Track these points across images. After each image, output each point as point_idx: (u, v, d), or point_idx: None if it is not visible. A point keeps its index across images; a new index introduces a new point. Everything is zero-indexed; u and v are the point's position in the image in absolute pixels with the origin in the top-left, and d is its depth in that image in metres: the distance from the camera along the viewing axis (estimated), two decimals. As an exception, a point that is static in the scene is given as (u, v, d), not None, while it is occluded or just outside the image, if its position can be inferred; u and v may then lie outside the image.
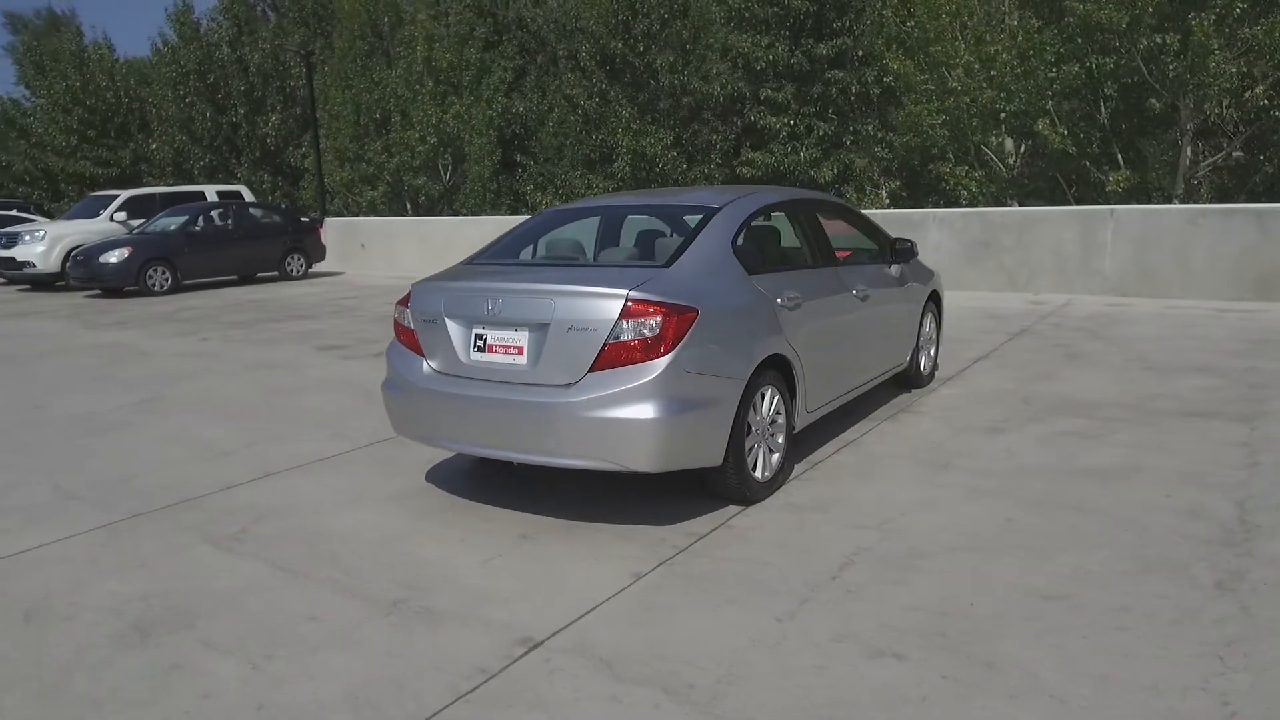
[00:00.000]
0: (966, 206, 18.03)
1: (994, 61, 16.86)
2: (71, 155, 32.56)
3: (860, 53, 20.72)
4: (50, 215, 24.84)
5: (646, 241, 4.44)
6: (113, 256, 14.26)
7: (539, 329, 3.74)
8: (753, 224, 4.52)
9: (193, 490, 4.59)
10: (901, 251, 5.66)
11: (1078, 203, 17.55)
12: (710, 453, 3.81)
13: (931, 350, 6.54)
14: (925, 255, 12.31)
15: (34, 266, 15.64)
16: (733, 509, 4.07)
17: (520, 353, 3.80)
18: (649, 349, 3.59)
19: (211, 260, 15.46)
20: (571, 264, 4.33)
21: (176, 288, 14.84)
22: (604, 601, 3.21)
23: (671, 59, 24.09)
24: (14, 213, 21.01)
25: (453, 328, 3.98)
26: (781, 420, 4.31)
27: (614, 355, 3.59)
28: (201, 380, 7.46)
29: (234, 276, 16.20)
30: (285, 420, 6.00)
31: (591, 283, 3.75)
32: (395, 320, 4.30)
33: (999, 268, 11.86)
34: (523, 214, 25.69)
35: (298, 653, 2.92)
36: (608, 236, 5.12)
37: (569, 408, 3.61)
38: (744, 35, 21.17)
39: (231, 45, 31.40)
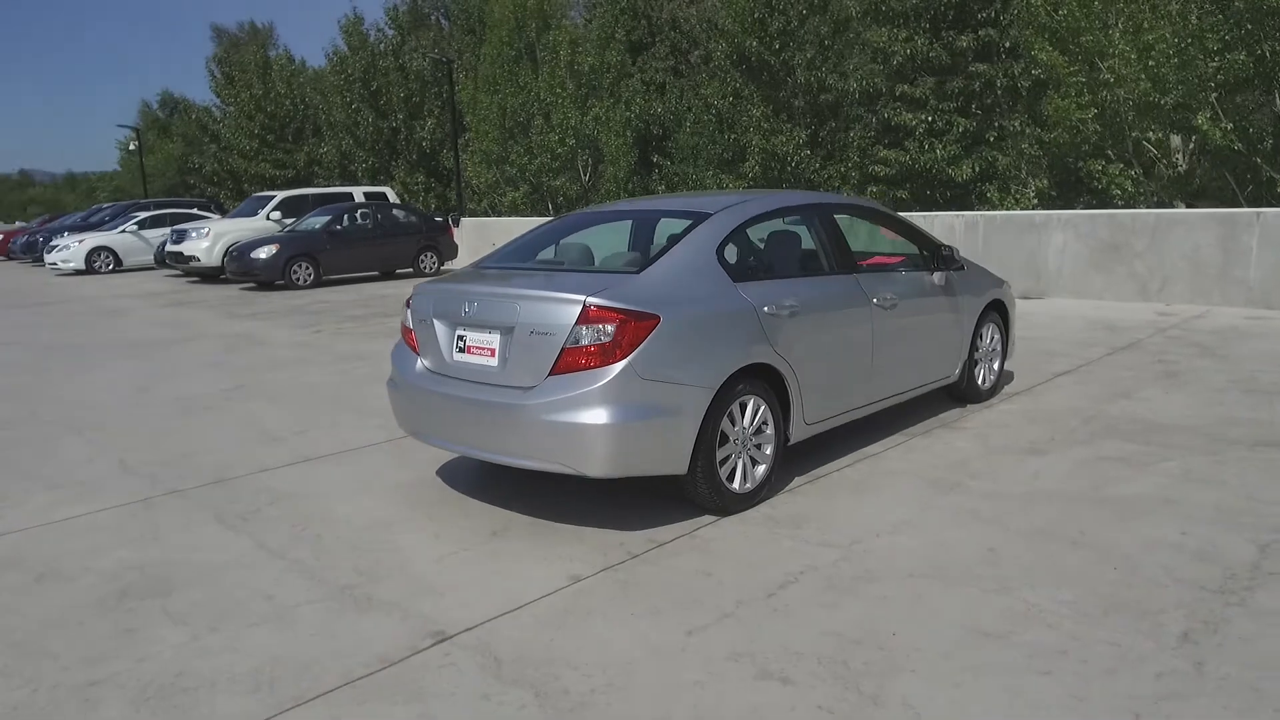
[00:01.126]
0: (1121, 207, 16.76)
1: (1151, 50, 15.56)
2: (253, 158, 35.70)
3: (1007, 44, 19.61)
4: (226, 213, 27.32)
5: (643, 246, 4.45)
6: (262, 253, 15.55)
7: (508, 332, 3.85)
8: (747, 230, 4.44)
9: (231, 472, 5.00)
10: (943, 259, 5.39)
11: (1252, 206, 15.93)
12: (672, 461, 3.79)
13: (995, 363, 6.18)
14: (1047, 260, 11.58)
15: (199, 261, 17.28)
16: (707, 519, 4.03)
17: (492, 354, 3.92)
18: (606, 354, 3.62)
19: (351, 257, 16.55)
20: (555, 269, 4.39)
21: (318, 282, 15.99)
22: (530, 602, 3.27)
23: (809, 55, 23.67)
24: (194, 211, 23.27)
25: (439, 328, 4.16)
26: (770, 431, 4.22)
27: (572, 360, 3.64)
28: (293, 369, 8.06)
29: (373, 272, 17.29)
30: (347, 410, 6.40)
31: (554, 288, 3.82)
32: (402, 320, 4.53)
33: (1129, 275, 10.96)
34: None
35: (237, 627, 3.16)
36: (635, 239, 5.13)
37: (528, 410, 3.69)
38: (881, 29, 20.48)
39: (394, 53, 33.40)
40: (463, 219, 20.35)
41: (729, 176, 24.83)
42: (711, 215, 4.32)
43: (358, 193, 19.71)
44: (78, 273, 21.22)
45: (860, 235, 5.62)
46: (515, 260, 4.65)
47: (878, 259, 5.84)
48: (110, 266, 21.54)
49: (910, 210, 19.98)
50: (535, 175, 27.61)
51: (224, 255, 16.88)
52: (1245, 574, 3.30)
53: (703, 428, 3.82)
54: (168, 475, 4.97)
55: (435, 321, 4.17)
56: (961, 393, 5.91)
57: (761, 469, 4.20)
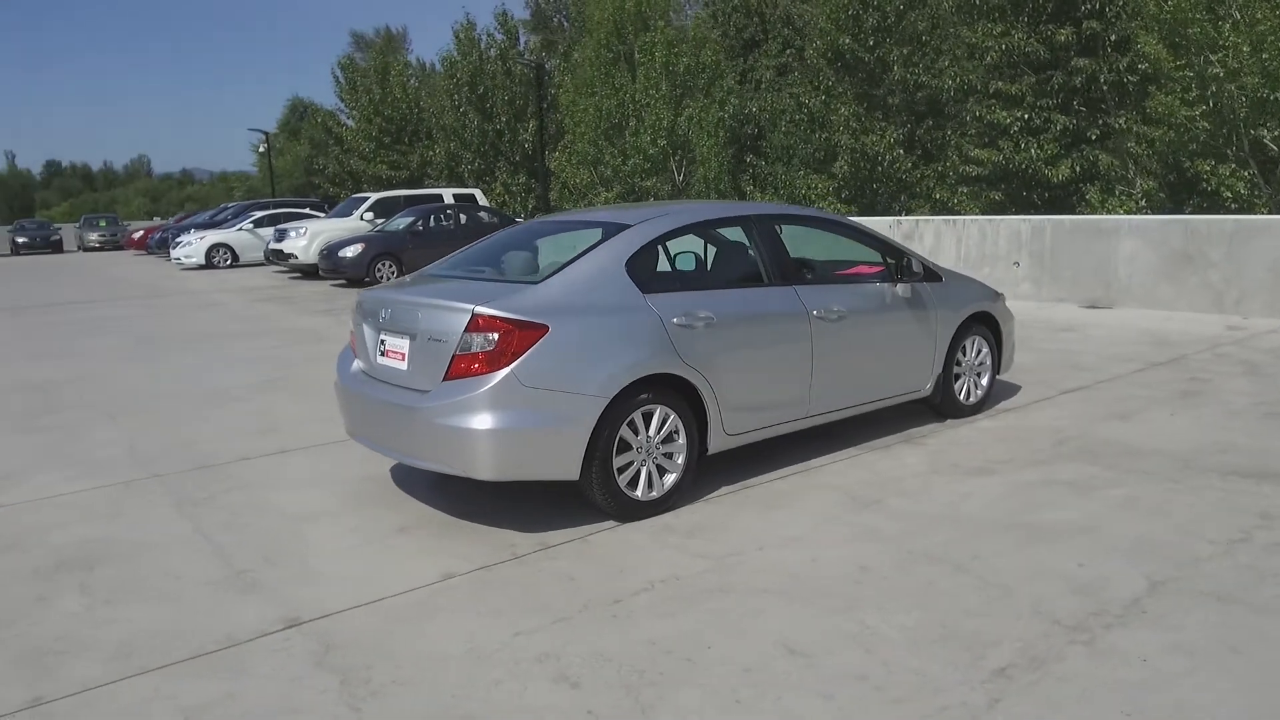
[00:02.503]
0: (1234, 211, 15.63)
1: (1265, 43, 14.45)
2: (371, 159, 37.48)
3: (1113, 37, 18.53)
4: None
5: (562, 256, 4.52)
6: (349, 251, 16.42)
7: (414, 338, 4.06)
8: (666, 242, 4.49)
9: (214, 459, 5.41)
10: (904, 270, 5.26)
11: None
12: (562, 467, 3.90)
13: (984, 377, 5.97)
14: (1116, 268, 10.94)
15: (296, 258, 18.40)
16: (610, 524, 4.12)
17: (402, 359, 4.13)
18: (491, 362, 3.77)
19: (432, 256, 16.99)
20: (472, 278, 4.54)
21: (400, 279, 16.75)
22: (393, 595, 3.46)
23: (905, 52, 23.05)
24: (306, 210, 24.71)
25: (367, 332, 4.41)
26: (682, 441, 4.26)
27: (462, 366, 3.81)
28: (329, 365, 8.54)
29: (454, 270, 17.94)
30: (350, 404, 6.77)
31: (449, 297, 3.99)
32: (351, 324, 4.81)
33: (1203, 285, 10.24)
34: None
35: (129, 602, 3.48)
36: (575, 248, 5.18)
37: (423, 413, 3.89)
38: (975, 24, 19.73)
39: (502, 57, 34.42)
40: (547, 219, 20.83)
41: (820, 177, 24.46)
42: (631, 227, 4.40)
43: (448, 194, 20.50)
44: (199, 267, 22.92)
45: (842, 247, 5.53)
46: (455, 267, 4.84)
47: (860, 268, 5.75)
48: (228, 262, 23.17)
49: (1005, 212, 19.20)
50: (628, 177, 27.93)
51: (319, 253, 17.91)
52: (1116, 611, 3.15)
53: (596, 436, 3.92)
54: (160, 460, 5.43)
55: (364, 326, 4.43)
56: (939, 407, 5.75)
57: (671, 477, 4.25)
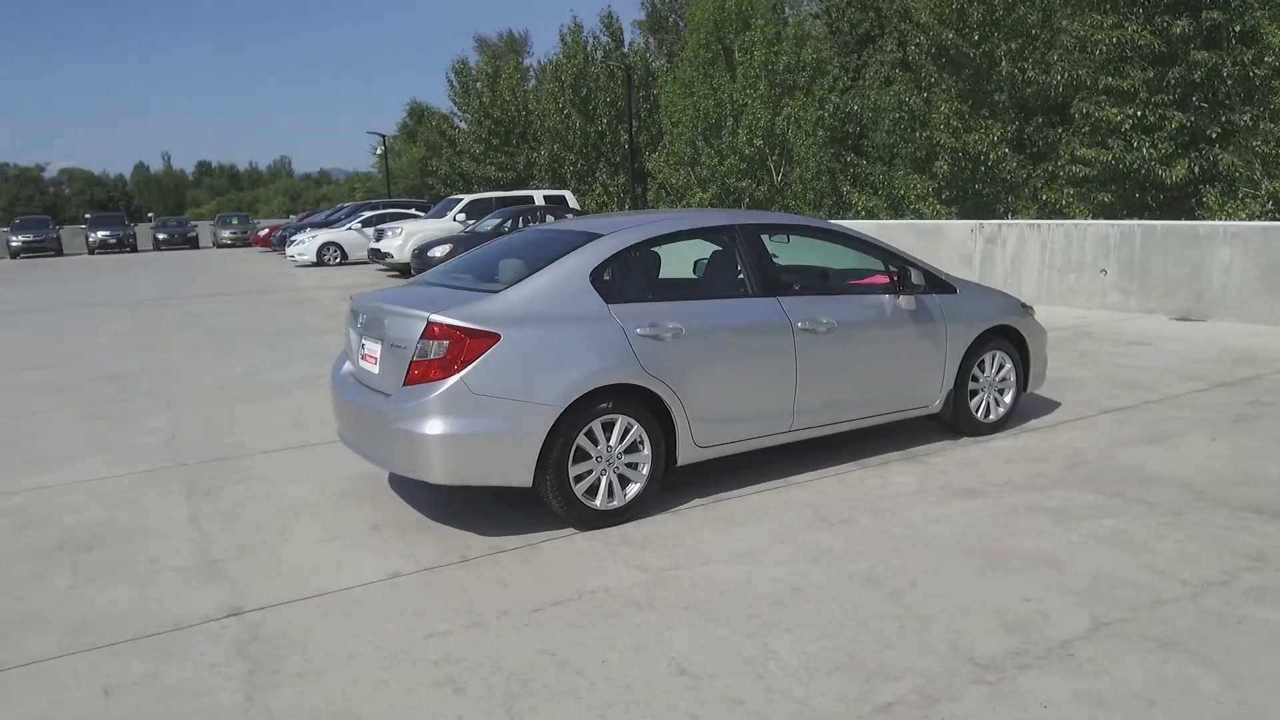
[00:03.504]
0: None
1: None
2: (481, 161, 38.63)
3: (1237, 28, 17.19)
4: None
5: (528, 266, 4.54)
6: (438, 251, 17.00)
7: (383, 343, 4.22)
8: (635, 253, 4.50)
9: (238, 451, 5.76)
10: (905, 281, 5.08)
11: None
12: (515, 474, 3.98)
13: (1007, 394, 5.70)
14: (1210, 278, 10.20)
15: (392, 257, 19.19)
16: (566, 531, 4.17)
17: (375, 363, 4.30)
18: (444, 368, 3.88)
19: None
20: (447, 285, 4.63)
21: (485, 279, 17.25)
22: (336, 590, 3.62)
23: (1014, 47, 22.07)
24: (411, 211, 25.70)
25: (352, 335, 4.61)
26: (647, 452, 4.27)
27: (419, 372, 3.94)
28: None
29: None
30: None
31: (410, 304, 4.12)
32: None
33: (1306, 298, 9.43)
34: (845, 217, 25.37)
35: (105, 583, 3.76)
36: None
37: (383, 417, 4.04)
38: (1085, 15, 18.67)
39: (606, 57, 34.85)
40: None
41: (921, 177, 23.70)
42: (601, 237, 4.43)
43: (538, 196, 20.95)
44: (311, 265, 24.19)
45: (852, 257, 5.40)
46: (445, 274, 4.97)
47: (877, 278, 5.59)
48: (337, 260, 24.36)
49: (1115, 216, 18.14)
50: (724, 177, 27.82)
51: (412, 252, 18.63)
52: (1038, 652, 2.99)
53: (549, 444, 3.98)
54: (191, 450, 5.82)
55: (350, 329, 4.63)
56: (953, 424, 5.54)
57: (634, 488, 4.27)
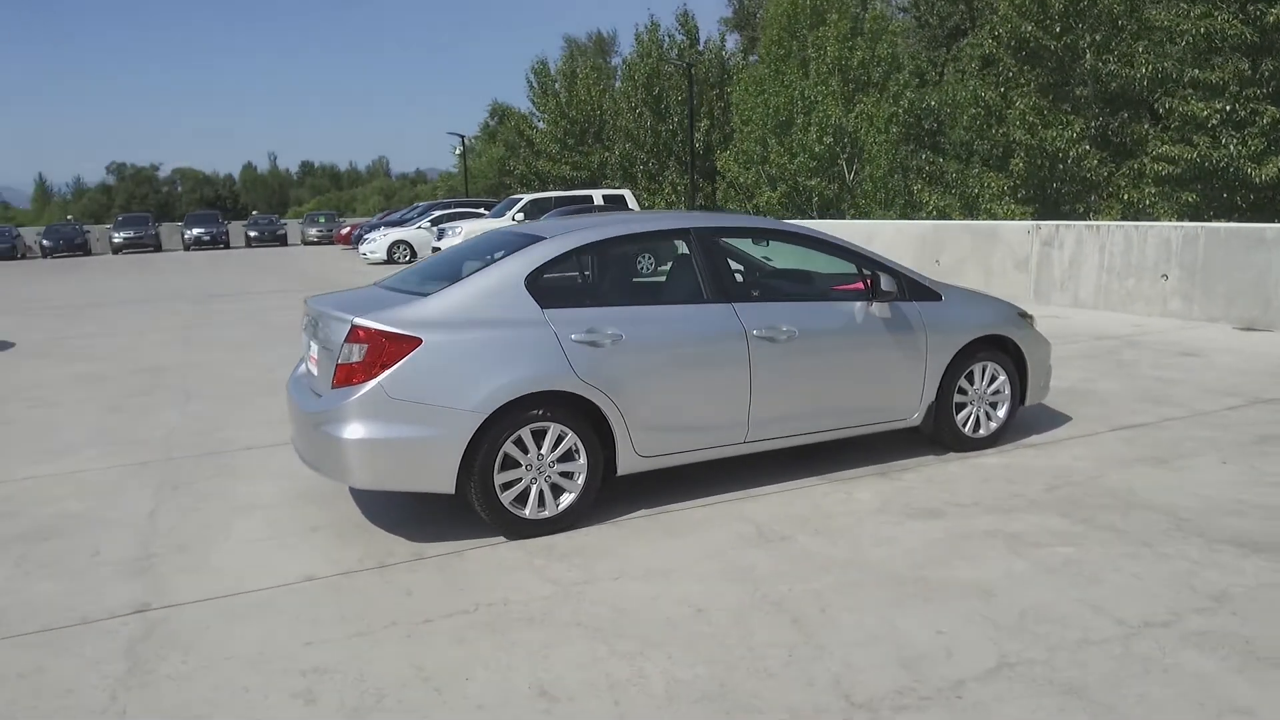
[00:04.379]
0: None
1: None
2: (557, 160, 39.01)
3: (1341, 14, 15.93)
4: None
5: (469, 269, 4.49)
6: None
7: (319, 346, 4.23)
8: (577, 257, 4.40)
9: (227, 447, 5.91)
10: (877, 290, 4.84)
11: None
12: (436, 481, 3.94)
13: (1001, 408, 5.38)
14: (1279, 284, 9.43)
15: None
16: (497, 540, 4.11)
17: (316, 365, 4.32)
18: (365, 372, 3.87)
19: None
20: (391, 288, 4.60)
21: (539, 278, 17.39)
22: (246, 591, 3.65)
23: (1098, 38, 21.02)
24: (479, 210, 26.14)
25: (304, 338, 4.64)
26: (582, 461, 4.18)
27: (344, 375, 3.94)
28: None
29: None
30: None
31: (341, 307, 4.12)
32: None
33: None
34: (915, 216, 24.63)
35: (41, 575, 3.88)
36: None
37: (313, 419, 4.06)
38: (1172, 4, 17.61)
39: (680, 57, 34.72)
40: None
41: (995, 176, 22.81)
42: (543, 240, 4.35)
43: (598, 196, 21.00)
44: (382, 262, 24.83)
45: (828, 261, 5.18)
46: (402, 277, 4.96)
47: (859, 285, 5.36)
48: (407, 257, 24.94)
49: (1200, 217, 17.09)
50: (793, 176, 27.36)
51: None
52: (925, 692, 2.78)
53: (472, 451, 3.92)
54: (184, 444, 6.00)
55: (303, 332, 4.67)
56: (938, 438, 5.26)
57: (568, 498, 4.18)
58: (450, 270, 4.78)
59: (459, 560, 3.92)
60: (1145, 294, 10.87)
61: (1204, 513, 4.21)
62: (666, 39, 36.48)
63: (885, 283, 4.80)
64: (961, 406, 5.27)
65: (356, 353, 3.90)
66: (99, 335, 11.80)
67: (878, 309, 4.90)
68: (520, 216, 19.88)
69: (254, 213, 59.90)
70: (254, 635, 3.28)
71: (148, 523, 4.51)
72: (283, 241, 40.55)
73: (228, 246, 38.53)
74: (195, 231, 37.90)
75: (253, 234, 39.73)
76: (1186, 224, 10.82)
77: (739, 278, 5.10)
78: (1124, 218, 19.15)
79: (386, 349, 3.86)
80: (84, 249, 36.67)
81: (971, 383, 5.28)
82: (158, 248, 37.79)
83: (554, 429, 4.11)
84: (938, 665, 2.93)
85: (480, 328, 4.02)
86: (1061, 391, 6.76)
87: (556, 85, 39.49)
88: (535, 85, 42.21)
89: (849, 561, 3.79)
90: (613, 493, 4.64)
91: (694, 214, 5.34)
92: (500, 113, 48.45)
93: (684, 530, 4.19)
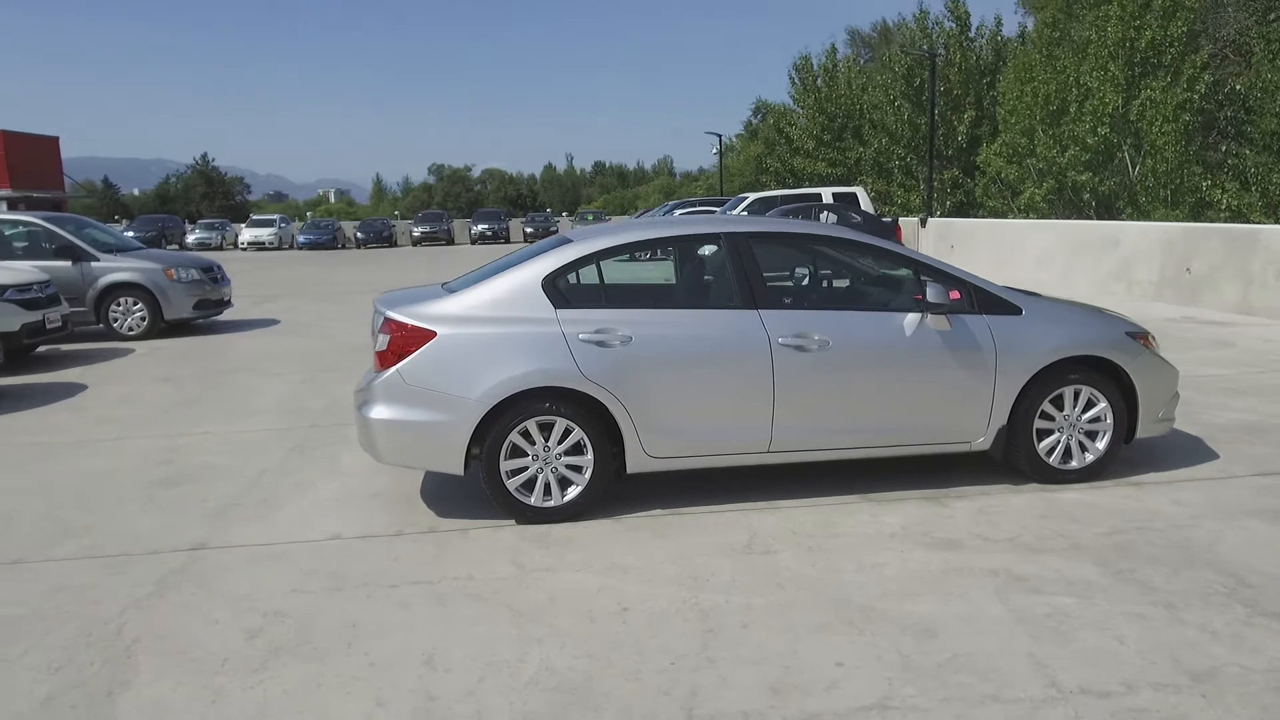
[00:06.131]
0: None
1: None
2: (813, 157, 38.46)
3: None
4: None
5: (503, 269, 4.72)
6: (705, 250, 17.52)
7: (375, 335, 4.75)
8: (598, 260, 4.53)
9: (325, 420, 6.69)
10: (928, 303, 4.50)
11: None
12: (444, 462, 4.30)
13: (1100, 440, 4.80)
14: None
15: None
16: (506, 522, 4.40)
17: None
18: (391, 359, 4.32)
19: (778, 255, 17.60)
20: (448, 286, 4.95)
21: (754, 276, 17.43)
22: (276, 543, 4.23)
23: None
24: (712, 209, 26.52)
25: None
26: (590, 456, 4.35)
27: (379, 362, 4.42)
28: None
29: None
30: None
31: (389, 303, 4.57)
32: None
33: None
34: (1206, 217, 21.62)
35: (140, 509, 4.75)
36: None
37: (355, 400, 4.58)
38: None
39: (948, 46, 32.82)
40: (929, 220, 19.78)
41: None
42: (569, 244, 4.56)
43: (827, 194, 20.54)
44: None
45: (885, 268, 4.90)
46: (468, 276, 5.33)
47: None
48: (646, 255, 25.95)
49: None
50: (1062, 170, 24.91)
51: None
52: (768, 718, 2.69)
53: (479, 439, 4.24)
54: (336, 414, 6.88)
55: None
56: (1017, 466, 4.80)
57: (574, 490, 4.38)
58: (498, 270, 5.15)
59: (460, 537, 4.26)
60: None
61: (1273, 580, 3.53)
62: (935, 27, 34.59)
63: (933, 293, 4.47)
64: (1048, 433, 4.76)
65: (384, 342, 4.36)
66: (348, 318, 13.60)
67: (934, 321, 4.58)
68: (745, 213, 19.95)
69: (549, 209, 65.02)
70: (257, 578, 3.83)
71: (256, 478, 5.32)
72: (449, 240, 42.81)
73: (508, 240, 42.13)
74: (480, 227, 41.88)
75: (529, 230, 43.15)
76: None
77: (821, 281, 5.06)
78: None
79: (407, 339, 4.29)
80: (390, 241, 41.79)
81: (1060, 408, 4.75)
82: (450, 241, 42.16)
83: (560, 423, 4.32)
84: (809, 696, 2.81)
85: (494, 325, 4.32)
86: (1234, 426, 5.84)
87: (818, 81, 38.89)
88: (797, 81, 41.84)
89: (813, 582, 3.65)
90: (636, 490, 4.77)
91: (730, 218, 5.24)
92: (763, 109, 48.61)
93: (676, 533, 4.23)
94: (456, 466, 4.32)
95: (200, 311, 11.97)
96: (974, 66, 32.09)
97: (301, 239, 39.94)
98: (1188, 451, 5.35)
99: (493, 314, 4.37)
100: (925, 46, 32.48)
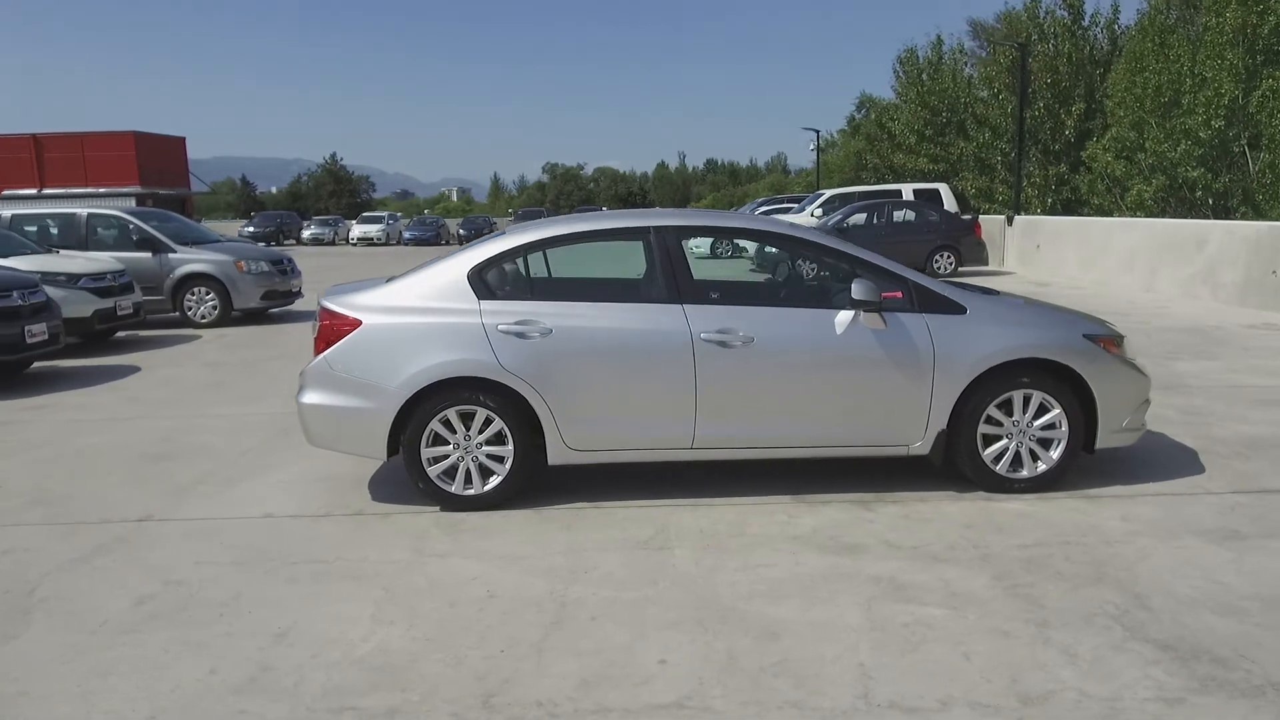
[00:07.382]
0: None
1: None
2: (914, 153, 37.28)
3: None
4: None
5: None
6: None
7: (321, 324, 4.94)
8: (526, 253, 4.58)
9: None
10: (852, 299, 4.36)
11: None
12: (368, 447, 4.45)
13: (1054, 448, 4.56)
14: None
15: (746, 252, 19.89)
16: (429, 510, 4.52)
17: (326, 340, 5.05)
18: (320, 346, 4.50)
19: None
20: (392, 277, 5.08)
21: (821, 275, 17.13)
22: (215, 518, 4.48)
23: None
24: (790, 205, 26.11)
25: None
26: (511, 446, 4.43)
27: (316, 348, 4.61)
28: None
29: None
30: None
31: (328, 291, 4.75)
32: None
33: None
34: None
35: (121, 480, 5.10)
36: None
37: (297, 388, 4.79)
38: None
39: (1059, 36, 31.28)
40: (1015, 218, 18.91)
41: None
42: (500, 236, 4.64)
43: (908, 190, 19.93)
44: (705, 257, 25.98)
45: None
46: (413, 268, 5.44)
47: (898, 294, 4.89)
48: (729, 254, 25.83)
49: None
50: (1173, 166, 23.35)
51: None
52: (562, 708, 2.70)
53: (400, 426, 4.38)
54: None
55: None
56: (963, 473, 4.60)
57: (495, 479, 4.47)
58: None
59: (380, 521, 4.41)
60: None
61: (1191, 605, 3.29)
62: (1046, 16, 32.93)
63: (860, 290, 4.33)
64: (995, 439, 4.55)
65: (317, 329, 4.55)
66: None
67: (868, 320, 4.44)
68: (819, 211, 19.61)
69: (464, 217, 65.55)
70: (181, 550, 4.08)
71: (234, 458, 5.63)
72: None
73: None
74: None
75: (461, 232, 43.15)
76: None
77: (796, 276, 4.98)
78: None
79: (335, 327, 4.46)
80: (490, 236, 42.87)
81: (1009, 414, 4.52)
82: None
83: (482, 413, 4.41)
84: (614, 690, 2.81)
85: (419, 315, 4.45)
86: (1236, 440, 5.43)
87: (922, 75, 37.65)
88: (900, 74, 40.63)
89: (690, 580, 3.62)
90: (571, 482, 4.83)
91: (662, 211, 5.15)
92: (866, 104, 47.38)
93: (585, 525, 4.26)
94: (380, 452, 4.47)
95: (268, 302, 12.66)
96: (1086, 57, 30.40)
97: (408, 235, 41.59)
98: (1172, 463, 5.00)
99: (419, 304, 4.49)
100: (1020, 38, 30.99)
